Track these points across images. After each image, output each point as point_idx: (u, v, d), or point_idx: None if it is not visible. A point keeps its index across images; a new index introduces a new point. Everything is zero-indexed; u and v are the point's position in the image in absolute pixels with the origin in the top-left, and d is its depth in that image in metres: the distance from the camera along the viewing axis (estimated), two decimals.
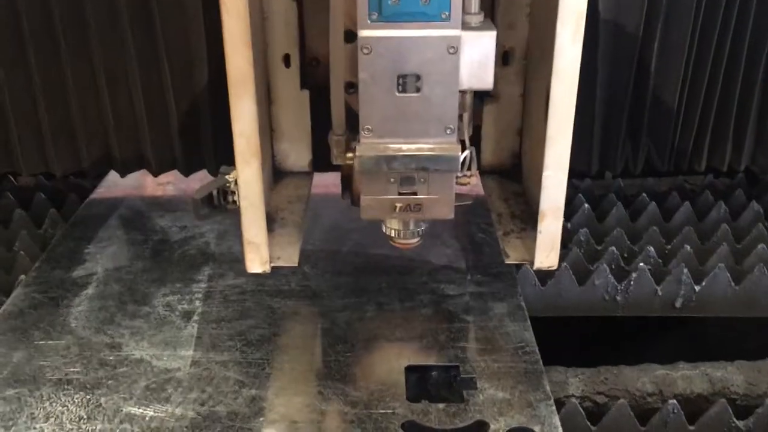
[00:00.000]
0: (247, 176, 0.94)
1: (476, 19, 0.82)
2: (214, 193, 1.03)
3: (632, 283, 1.24)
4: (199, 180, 1.32)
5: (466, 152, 0.89)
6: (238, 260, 1.24)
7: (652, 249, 1.30)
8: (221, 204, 1.03)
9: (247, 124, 0.90)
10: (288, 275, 1.20)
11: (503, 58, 1.11)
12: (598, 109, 1.31)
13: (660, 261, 1.30)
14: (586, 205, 1.43)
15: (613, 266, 1.29)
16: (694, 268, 1.27)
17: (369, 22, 0.78)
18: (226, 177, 1.01)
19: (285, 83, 1.11)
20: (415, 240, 0.98)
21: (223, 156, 1.29)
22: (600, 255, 1.32)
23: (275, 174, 1.18)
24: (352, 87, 0.83)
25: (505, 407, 0.94)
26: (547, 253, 0.99)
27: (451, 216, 0.89)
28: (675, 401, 1.03)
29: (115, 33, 1.23)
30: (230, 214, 1.36)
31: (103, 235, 1.33)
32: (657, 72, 1.29)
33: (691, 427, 1.03)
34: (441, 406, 0.94)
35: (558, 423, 0.92)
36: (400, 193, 0.87)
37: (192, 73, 1.25)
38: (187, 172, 1.37)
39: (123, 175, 1.37)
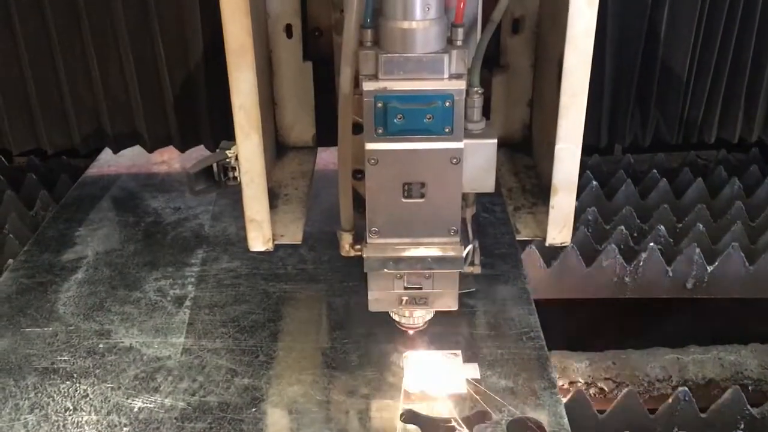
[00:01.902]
0: (248, 150, 0.91)
1: (478, 126, 0.82)
2: (214, 168, 0.99)
3: (642, 263, 1.20)
4: (197, 158, 1.28)
5: (469, 247, 0.89)
6: (233, 243, 1.21)
7: (662, 228, 1.26)
8: (221, 180, 0.99)
9: (247, 96, 0.87)
10: (285, 258, 1.16)
11: (513, 26, 1.09)
12: (608, 79, 1.27)
13: (671, 240, 1.27)
14: (594, 183, 1.39)
15: (622, 246, 1.25)
16: (707, 248, 1.24)
17: (375, 135, 0.79)
18: (226, 152, 0.97)
19: (287, 55, 1.09)
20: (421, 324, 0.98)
21: (221, 131, 1.24)
22: (608, 234, 1.28)
23: (278, 149, 1.15)
24: (359, 173, 0.84)
25: (508, 396, 0.90)
26: (559, 229, 0.96)
27: (455, 307, 0.91)
28: (686, 389, 0.99)
29: (105, 1, 1.17)
30: (227, 195, 1.33)
31: (94, 217, 1.29)
32: (666, 40, 1.24)
33: (703, 415, 0.99)
34: (442, 394, 0.91)
35: (563, 412, 0.88)
36: (405, 288, 0.89)
37: (186, 43, 1.20)
38: (183, 148, 1.31)
39: (116, 151, 1.32)
